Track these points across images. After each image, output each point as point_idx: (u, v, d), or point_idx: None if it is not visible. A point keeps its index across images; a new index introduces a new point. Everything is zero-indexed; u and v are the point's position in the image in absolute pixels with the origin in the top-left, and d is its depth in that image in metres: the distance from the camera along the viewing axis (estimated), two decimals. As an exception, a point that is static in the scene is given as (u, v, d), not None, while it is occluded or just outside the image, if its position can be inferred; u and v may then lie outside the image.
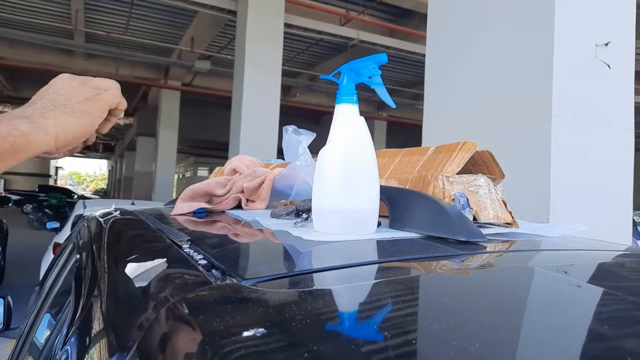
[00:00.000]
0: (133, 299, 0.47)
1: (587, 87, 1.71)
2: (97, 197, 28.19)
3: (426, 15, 2.33)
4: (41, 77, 12.41)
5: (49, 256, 4.25)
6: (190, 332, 0.33)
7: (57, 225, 5.33)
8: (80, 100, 0.54)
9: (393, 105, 0.66)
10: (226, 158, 7.02)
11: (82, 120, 0.54)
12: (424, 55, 2.36)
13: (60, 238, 4.38)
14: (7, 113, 0.50)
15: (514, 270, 0.51)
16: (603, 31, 1.75)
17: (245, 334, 0.30)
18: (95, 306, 0.53)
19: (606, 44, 1.70)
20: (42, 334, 0.90)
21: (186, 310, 0.36)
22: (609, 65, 1.71)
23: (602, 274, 0.55)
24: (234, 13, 7.21)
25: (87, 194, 33.82)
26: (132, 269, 0.50)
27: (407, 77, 12.17)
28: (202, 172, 28.08)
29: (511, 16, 1.83)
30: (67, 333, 0.56)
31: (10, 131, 0.46)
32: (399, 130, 16.22)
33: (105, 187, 43.26)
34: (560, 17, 1.65)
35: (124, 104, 0.60)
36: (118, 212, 1.03)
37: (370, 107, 14.56)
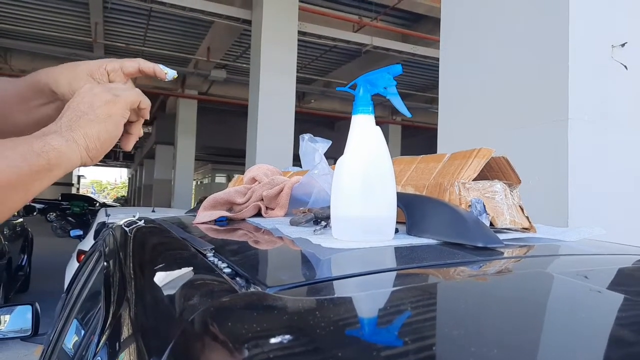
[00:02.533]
0: (163, 306, 0.49)
1: (603, 88, 1.69)
2: (118, 204, 28.68)
3: (439, 19, 2.33)
4: (63, 89, 12.66)
5: (74, 263, 4.33)
6: (219, 339, 0.34)
7: (81, 232, 5.44)
8: (102, 104, 0.54)
9: (408, 115, 0.67)
10: (243, 164, 7.10)
11: (106, 125, 0.53)
12: (437, 59, 2.37)
13: (84, 245, 4.47)
14: (38, 132, 0.49)
15: (533, 276, 0.52)
16: (619, 31, 1.73)
17: (272, 340, 0.32)
18: (125, 313, 0.55)
19: (623, 45, 1.69)
20: (70, 340, 0.93)
21: (215, 318, 0.37)
22: (625, 66, 1.70)
23: (623, 279, 0.55)
24: (249, 22, 7.31)
25: (109, 201, 34.41)
26: (161, 277, 0.52)
27: (421, 81, 12.14)
28: (219, 179, 28.36)
29: (525, 18, 1.82)
30: (99, 340, 0.58)
31: (43, 147, 0.46)
32: (413, 134, 16.15)
33: (125, 194, 43.94)
34: (575, 18, 1.64)
35: (146, 102, 0.59)
36: (142, 221, 1.06)
37: (385, 112, 14.53)
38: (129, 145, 0.59)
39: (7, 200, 0.43)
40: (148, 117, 0.62)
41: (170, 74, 0.64)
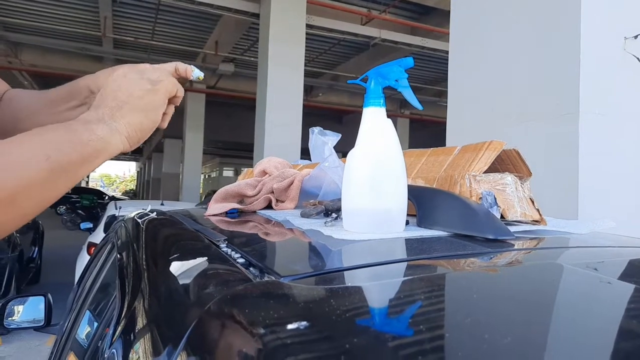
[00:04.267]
0: (179, 295, 0.50)
1: (615, 81, 1.68)
2: (127, 198, 28.89)
3: (448, 12, 2.31)
4: (72, 83, 12.77)
5: (84, 255, 4.39)
6: (237, 326, 0.35)
7: (91, 225, 5.49)
8: (141, 94, 0.55)
9: (420, 107, 0.67)
10: (251, 158, 7.11)
11: (147, 114, 0.55)
12: (446, 52, 2.35)
13: (94, 238, 4.52)
14: (79, 119, 0.51)
15: (543, 267, 0.52)
16: (632, 23, 1.71)
17: (289, 327, 0.32)
18: (141, 304, 0.56)
19: (635, 37, 1.67)
20: (84, 331, 0.95)
21: (232, 306, 0.38)
22: (638, 59, 1.68)
23: (633, 271, 0.56)
24: (256, 16, 7.29)
25: (117, 195, 34.67)
26: (176, 266, 0.53)
27: (430, 74, 12.05)
28: (227, 172, 28.46)
29: (536, 10, 1.80)
30: (114, 330, 0.59)
31: (90, 136, 0.49)
32: (421, 127, 16.08)
33: (134, 188, 44.25)
34: (587, 9, 1.62)
35: (182, 91, 0.61)
36: (154, 213, 1.08)
37: (393, 105, 14.47)
38: (164, 124, 0.61)
39: (59, 186, 0.46)
40: (179, 104, 0.64)
41: (195, 73, 0.65)
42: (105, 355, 0.58)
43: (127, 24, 9.65)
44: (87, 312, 1.01)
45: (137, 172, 42.30)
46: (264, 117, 6.42)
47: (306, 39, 6.97)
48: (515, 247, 0.60)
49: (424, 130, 16.07)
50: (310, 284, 0.43)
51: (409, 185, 0.68)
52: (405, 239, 0.62)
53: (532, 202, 0.75)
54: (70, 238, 9.09)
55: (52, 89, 0.69)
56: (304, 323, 0.33)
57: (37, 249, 6.30)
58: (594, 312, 0.38)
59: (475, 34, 2.13)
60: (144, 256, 0.75)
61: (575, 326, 0.35)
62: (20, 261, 5.18)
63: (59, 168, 0.45)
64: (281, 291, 0.40)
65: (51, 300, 1.63)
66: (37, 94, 0.70)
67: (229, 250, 0.57)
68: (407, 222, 0.68)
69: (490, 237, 0.60)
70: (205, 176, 32.94)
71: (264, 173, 1.11)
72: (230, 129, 16.29)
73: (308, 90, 13.30)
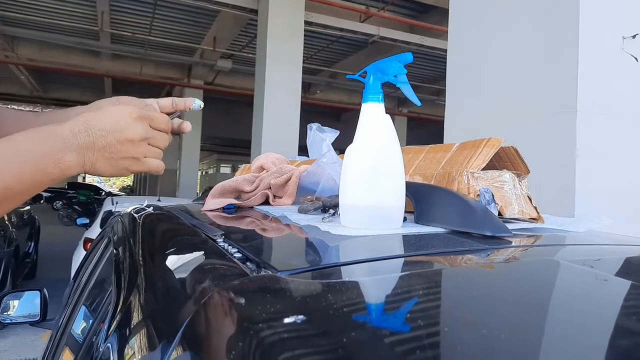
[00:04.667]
0: (175, 290, 0.50)
1: (613, 80, 1.68)
2: (124, 193, 28.81)
3: (447, 10, 2.31)
4: (69, 78, 12.76)
5: (80, 251, 4.37)
6: (233, 320, 0.35)
7: (87, 221, 5.48)
8: (127, 156, 0.56)
9: (418, 103, 0.67)
10: (249, 155, 7.10)
11: (115, 172, 0.57)
12: (445, 51, 2.35)
13: (91, 233, 4.50)
14: (64, 128, 0.52)
15: (540, 264, 0.52)
16: (630, 23, 1.71)
17: (286, 321, 0.32)
18: (137, 298, 0.56)
19: (633, 36, 1.67)
20: (79, 326, 0.94)
21: (228, 300, 0.38)
22: (636, 58, 1.68)
23: (629, 268, 0.56)
24: (255, 12, 7.27)
25: (114, 190, 34.56)
26: (172, 261, 0.53)
27: (428, 72, 12.05)
28: (224, 169, 28.42)
29: (535, 8, 1.80)
30: (110, 325, 0.59)
31: (57, 164, 0.51)
32: (419, 126, 16.09)
33: (131, 184, 44.10)
34: (585, 9, 1.62)
35: (162, 170, 0.61)
36: (151, 208, 1.07)
37: (391, 103, 14.46)
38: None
39: (25, 196, 0.50)
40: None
41: (196, 103, 0.66)
42: (101, 350, 0.58)
43: (125, 19, 9.60)
44: (83, 307, 1.01)
45: (134, 168, 42.06)
46: (261, 114, 6.41)
47: (304, 35, 6.96)
48: (513, 244, 0.60)
49: (421, 129, 16.09)
50: (307, 278, 0.43)
51: (406, 182, 0.68)
52: (403, 235, 0.62)
53: (530, 199, 0.75)
54: (67, 233, 9.06)
55: (48, 112, 0.71)
56: (301, 317, 0.33)
57: (33, 244, 6.28)
58: (591, 309, 0.38)
59: (473, 32, 2.12)
60: (140, 251, 0.74)
61: (572, 323, 0.34)
62: (16, 256, 5.17)
63: (35, 187, 0.49)
64: (278, 286, 0.40)
65: (47, 296, 1.63)
66: (30, 113, 0.71)
67: (226, 245, 0.57)
68: (405, 219, 0.68)
69: (488, 234, 0.60)
70: (202, 172, 32.91)
71: (262, 169, 1.10)
72: (228, 125, 16.26)
73: (306, 87, 13.28)
